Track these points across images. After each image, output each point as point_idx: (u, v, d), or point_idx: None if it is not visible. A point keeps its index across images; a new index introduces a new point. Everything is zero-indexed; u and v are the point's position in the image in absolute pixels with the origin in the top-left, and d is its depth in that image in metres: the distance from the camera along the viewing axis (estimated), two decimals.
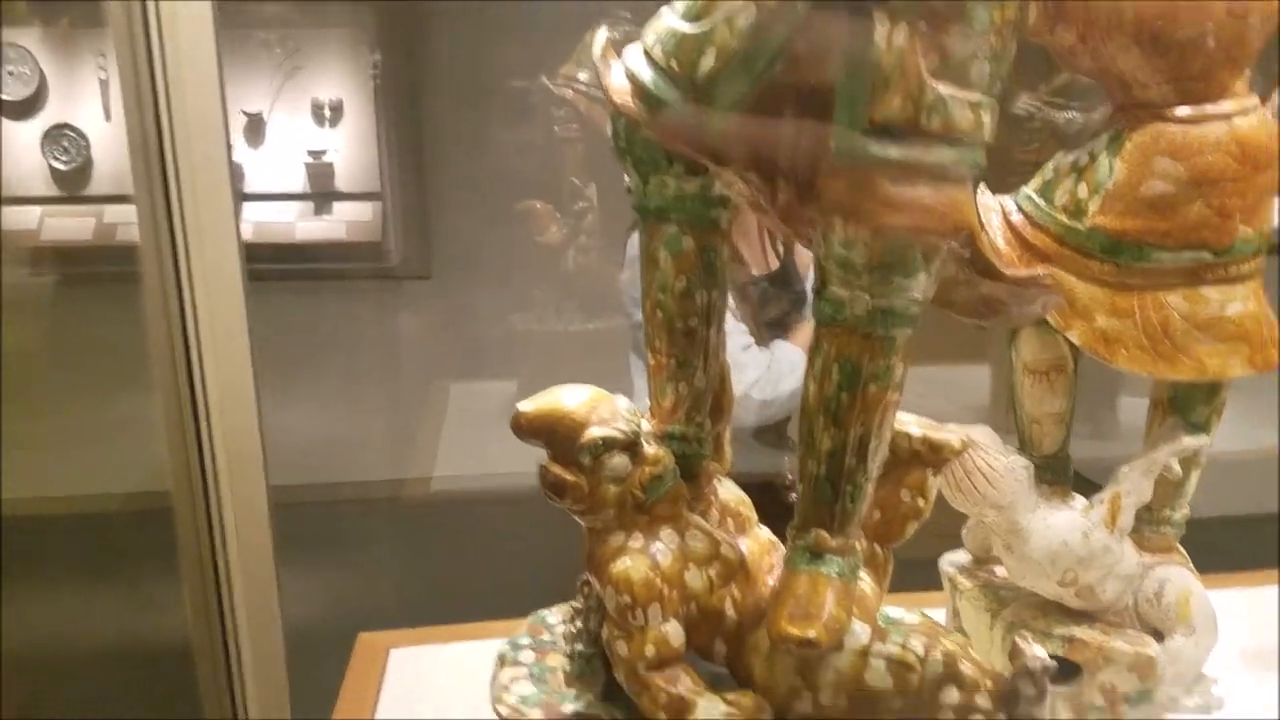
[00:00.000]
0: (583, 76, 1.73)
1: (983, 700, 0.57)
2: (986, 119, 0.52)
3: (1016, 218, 0.79)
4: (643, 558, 0.59)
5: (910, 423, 0.68)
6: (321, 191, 3.16)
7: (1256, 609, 1.11)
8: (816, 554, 0.60)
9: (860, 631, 0.59)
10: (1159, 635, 0.83)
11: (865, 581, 0.65)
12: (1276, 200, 0.76)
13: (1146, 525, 0.84)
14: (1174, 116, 0.72)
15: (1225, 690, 0.94)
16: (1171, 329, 0.75)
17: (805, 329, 1.36)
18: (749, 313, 1.36)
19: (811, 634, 0.56)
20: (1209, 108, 0.71)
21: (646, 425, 0.62)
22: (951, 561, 0.97)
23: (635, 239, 1.39)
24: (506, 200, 2.23)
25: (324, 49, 3.13)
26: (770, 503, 1.39)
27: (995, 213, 0.80)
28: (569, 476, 0.59)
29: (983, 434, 0.83)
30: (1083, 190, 0.76)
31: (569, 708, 0.64)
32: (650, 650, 0.59)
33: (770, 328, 1.38)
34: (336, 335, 2.83)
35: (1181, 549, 0.86)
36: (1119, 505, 0.81)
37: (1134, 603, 0.84)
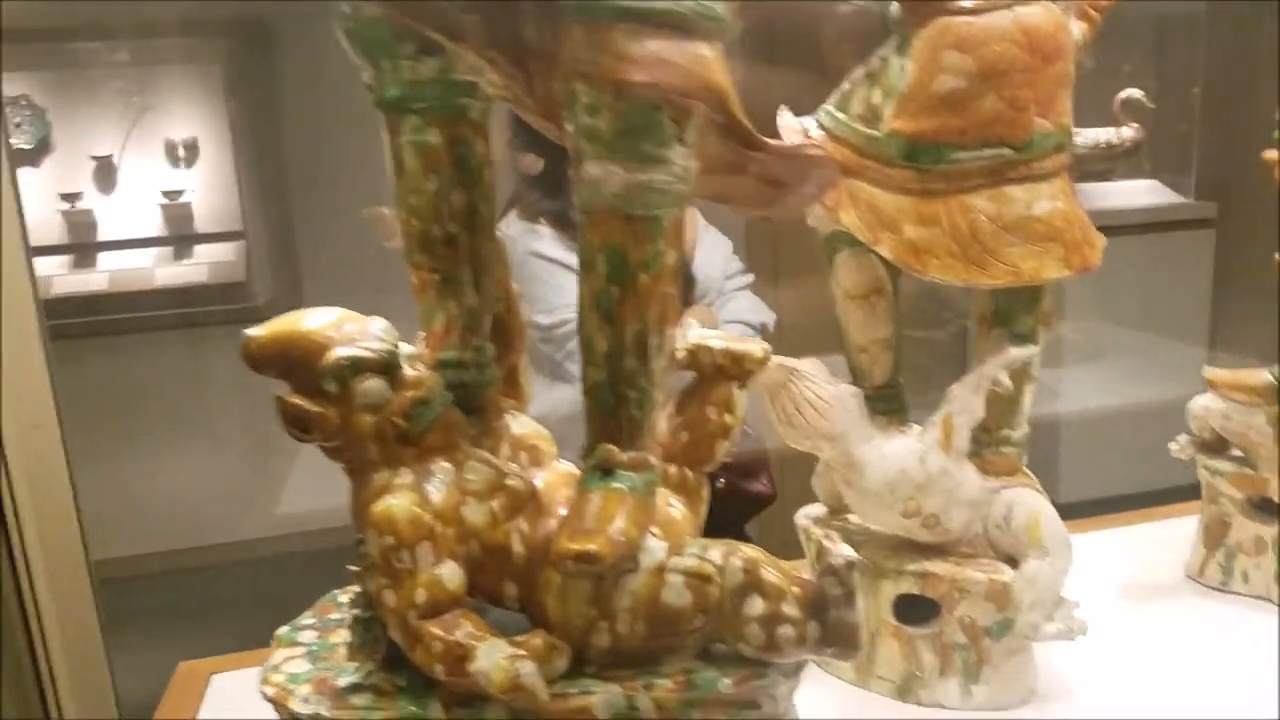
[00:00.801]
0: None
1: (790, 608, 0.52)
2: None
3: (817, 134, 0.76)
4: (408, 493, 0.53)
5: (711, 336, 0.63)
6: (180, 234, 3.03)
7: (1133, 545, 1.11)
8: (606, 471, 0.54)
9: (656, 548, 0.54)
10: (1014, 562, 0.80)
11: (676, 508, 0.60)
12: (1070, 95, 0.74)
13: (986, 448, 0.82)
14: (957, 8, 0.70)
15: (1090, 616, 0.92)
16: (980, 233, 0.73)
17: (697, 310, 1.32)
18: None
19: (592, 547, 0.50)
20: None
21: (409, 348, 0.56)
22: (806, 514, 0.92)
23: (512, 226, 1.36)
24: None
25: (173, 87, 3.01)
26: None
27: (797, 134, 0.77)
28: (313, 407, 0.52)
29: (810, 365, 0.80)
30: (877, 96, 0.73)
31: (345, 681, 0.56)
32: (421, 596, 0.52)
33: None
34: (200, 385, 2.69)
35: (1028, 471, 0.83)
36: (951, 425, 0.78)
37: (984, 530, 0.81)
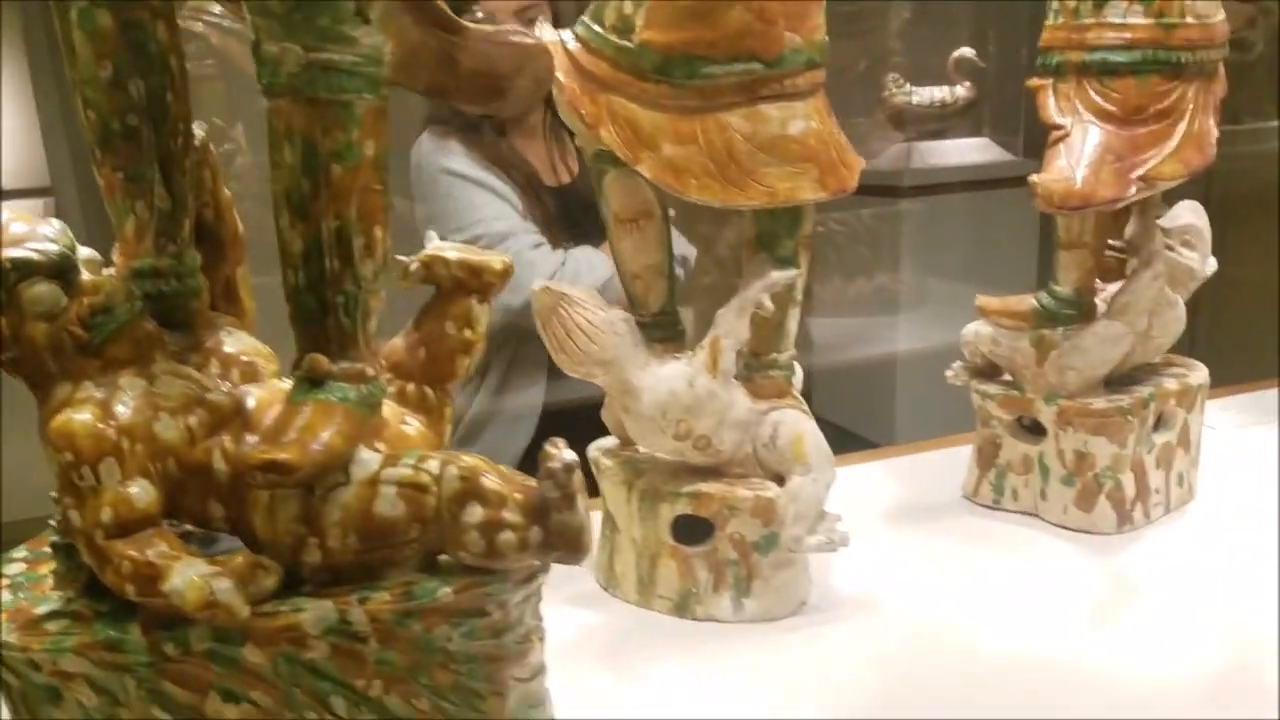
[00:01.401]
0: (215, 9, 1.61)
1: (511, 514, 0.51)
2: None
3: (574, 46, 0.75)
4: (90, 407, 0.49)
5: (447, 248, 0.61)
6: None
7: (916, 471, 1.15)
8: (315, 382, 0.52)
9: (369, 460, 0.52)
10: (782, 480, 0.82)
11: (412, 425, 0.58)
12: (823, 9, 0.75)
13: (756, 372, 0.83)
14: None
15: (868, 536, 0.96)
16: (736, 152, 0.73)
17: None
18: (541, 216, 1.31)
19: (282, 456, 0.48)
20: None
21: (90, 252, 0.52)
22: (598, 447, 0.92)
23: (424, 144, 1.31)
24: None
25: None
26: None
27: (556, 46, 0.75)
28: None
29: (582, 291, 0.79)
30: (628, 6, 0.72)
31: (43, 609, 0.52)
32: (108, 514, 0.48)
33: (576, 240, 1.34)
34: None
35: (796, 393, 0.85)
36: (718, 348, 0.79)
37: (754, 450, 0.82)
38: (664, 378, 0.79)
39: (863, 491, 1.09)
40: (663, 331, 0.84)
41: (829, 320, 2.58)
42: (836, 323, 2.59)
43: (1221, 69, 0.92)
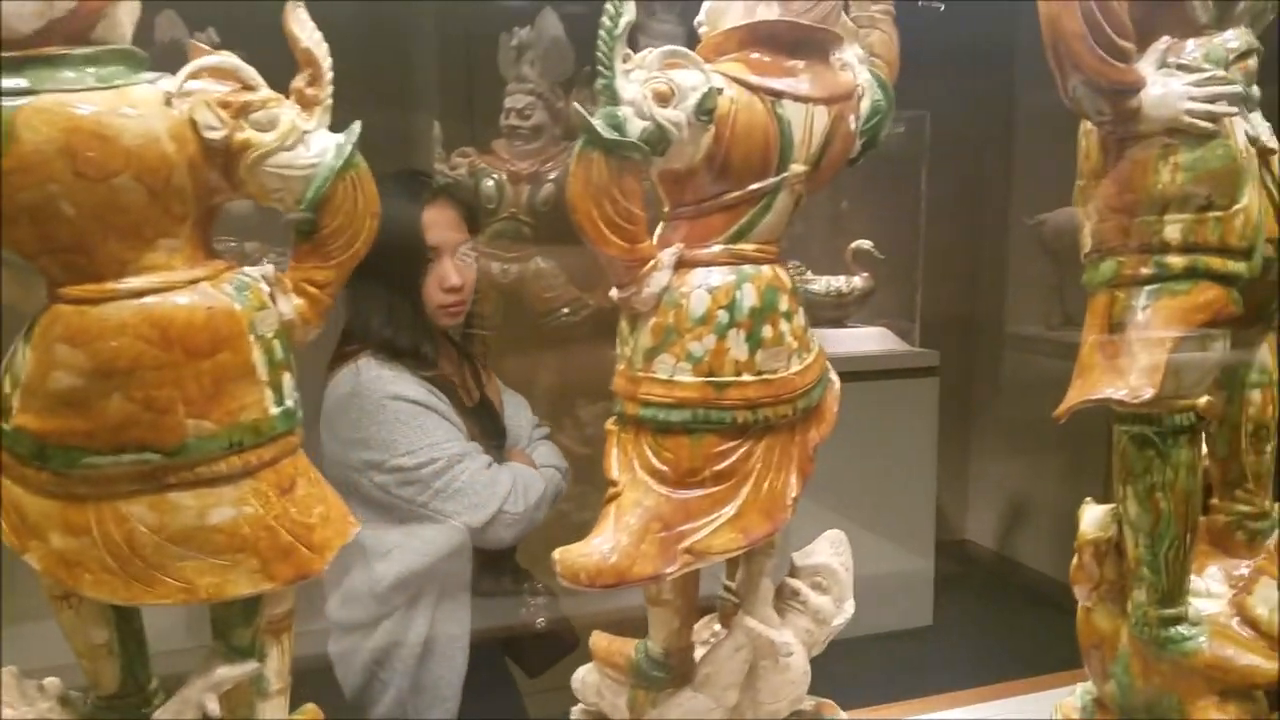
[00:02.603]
0: None
1: None
2: None
3: None
4: None
5: None
6: None
7: None
8: None
9: None
10: None
11: None
12: (272, 389, 0.65)
13: None
14: (67, 295, 0.60)
15: None
16: (140, 545, 0.62)
17: (517, 454, 1.41)
18: (466, 435, 1.33)
19: None
20: (111, 285, 0.60)
21: None
22: None
23: (363, 371, 1.24)
24: None
25: None
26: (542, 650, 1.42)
27: None
28: None
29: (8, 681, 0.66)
30: (8, 384, 0.62)
31: None
32: None
33: (489, 455, 1.37)
34: None
35: None
36: None
37: None
38: None
39: None
40: (119, 715, 0.71)
41: None
42: None
43: (828, 409, 0.82)
